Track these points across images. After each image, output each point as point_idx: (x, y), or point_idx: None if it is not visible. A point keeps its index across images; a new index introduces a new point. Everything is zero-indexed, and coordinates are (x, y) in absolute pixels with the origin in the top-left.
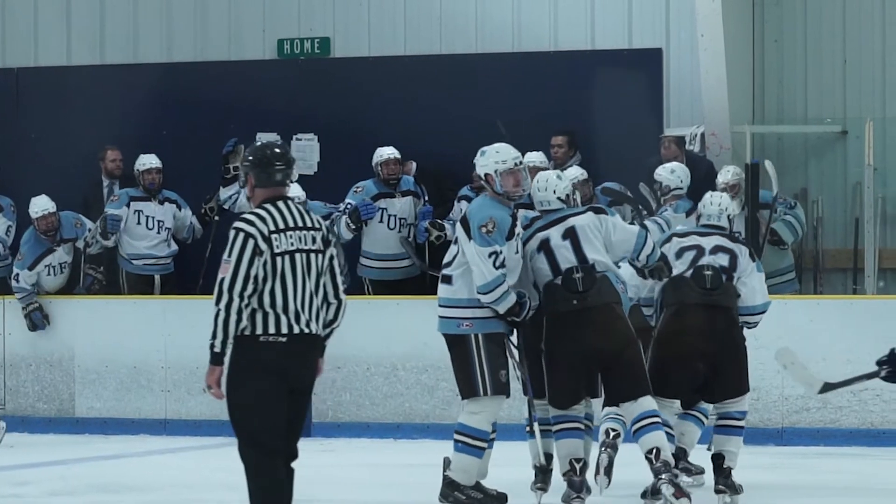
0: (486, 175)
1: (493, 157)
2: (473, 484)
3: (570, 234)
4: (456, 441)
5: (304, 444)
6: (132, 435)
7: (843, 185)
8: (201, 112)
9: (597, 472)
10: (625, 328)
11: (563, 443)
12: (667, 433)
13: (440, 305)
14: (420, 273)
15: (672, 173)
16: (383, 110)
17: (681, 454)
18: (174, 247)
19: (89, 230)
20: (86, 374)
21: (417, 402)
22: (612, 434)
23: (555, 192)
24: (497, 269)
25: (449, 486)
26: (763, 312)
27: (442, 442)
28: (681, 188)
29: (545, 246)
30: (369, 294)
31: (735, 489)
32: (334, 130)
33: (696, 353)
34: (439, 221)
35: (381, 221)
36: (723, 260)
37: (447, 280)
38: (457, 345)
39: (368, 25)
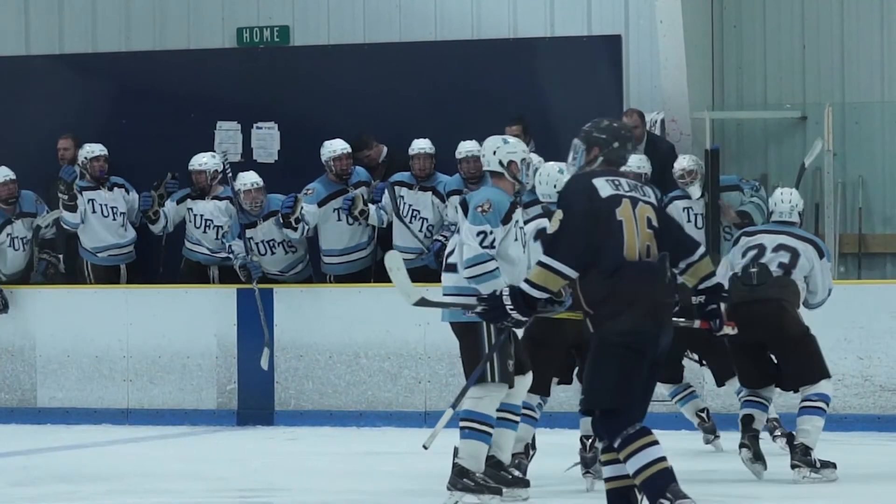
0: (510, 163)
1: (520, 146)
2: (483, 469)
3: None
4: (462, 428)
5: (266, 433)
6: (94, 425)
7: None
8: (160, 101)
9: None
10: None
11: (519, 427)
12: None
13: (445, 294)
14: (381, 255)
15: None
16: (343, 98)
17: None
18: (132, 232)
19: (47, 210)
20: (47, 363)
21: (380, 390)
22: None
23: (555, 186)
24: (484, 248)
25: (459, 473)
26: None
27: (405, 429)
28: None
29: (542, 235)
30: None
31: (812, 464)
32: (294, 119)
33: (754, 345)
34: (366, 200)
35: (339, 220)
36: (783, 258)
37: (452, 269)
38: (468, 332)
39: (328, 14)
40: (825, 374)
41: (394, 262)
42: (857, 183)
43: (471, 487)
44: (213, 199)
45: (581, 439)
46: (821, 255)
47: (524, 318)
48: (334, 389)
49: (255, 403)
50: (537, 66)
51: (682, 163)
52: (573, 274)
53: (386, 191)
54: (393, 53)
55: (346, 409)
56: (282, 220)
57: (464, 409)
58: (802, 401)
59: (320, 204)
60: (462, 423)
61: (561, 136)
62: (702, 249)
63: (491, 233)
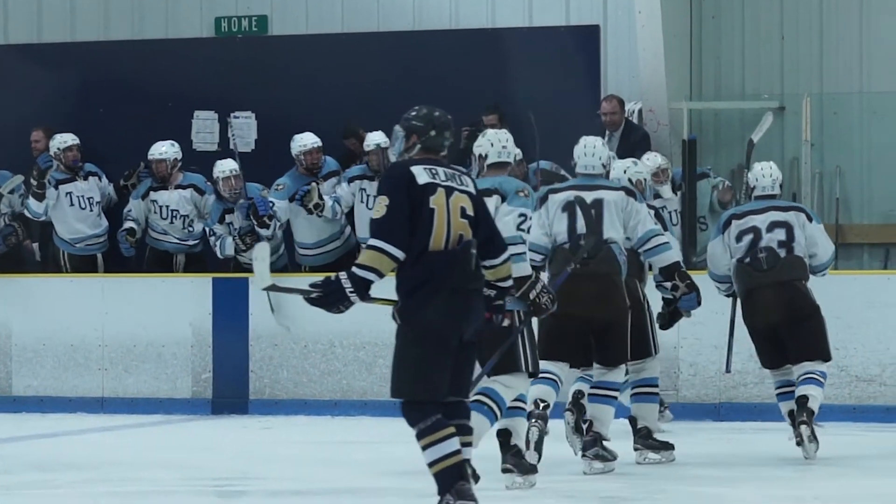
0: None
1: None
2: (477, 447)
3: (596, 206)
4: (475, 401)
5: (241, 422)
6: (69, 413)
7: (780, 160)
8: (138, 90)
9: (527, 447)
10: (620, 300)
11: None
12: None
13: None
14: (357, 245)
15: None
16: (321, 88)
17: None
18: (105, 221)
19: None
20: (23, 352)
21: (355, 379)
22: (541, 405)
23: (600, 158)
24: (520, 230)
25: None
26: (832, 261)
27: (380, 419)
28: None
29: (570, 208)
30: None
31: (812, 430)
32: (272, 108)
33: (771, 327)
34: (321, 194)
35: (310, 213)
36: (780, 235)
37: None
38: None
39: (306, 3)
40: (826, 356)
41: (260, 253)
42: (834, 173)
43: None
44: (176, 188)
45: (579, 423)
46: (809, 218)
47: (360, 302)
48: (309, 378)
49: (230, 392)
50: (515, 55)
51: (657, 160)
52: (401, 256)
53: (345, 184)
54: (371, 43)
55: (320, 399)
56: (253, 219)
57: (489, 387)
58: (804, 373)
59: (291, 199)
60: (478, 398)
61: (538, 125)
62: (506, 254)
63: (529, 217)
